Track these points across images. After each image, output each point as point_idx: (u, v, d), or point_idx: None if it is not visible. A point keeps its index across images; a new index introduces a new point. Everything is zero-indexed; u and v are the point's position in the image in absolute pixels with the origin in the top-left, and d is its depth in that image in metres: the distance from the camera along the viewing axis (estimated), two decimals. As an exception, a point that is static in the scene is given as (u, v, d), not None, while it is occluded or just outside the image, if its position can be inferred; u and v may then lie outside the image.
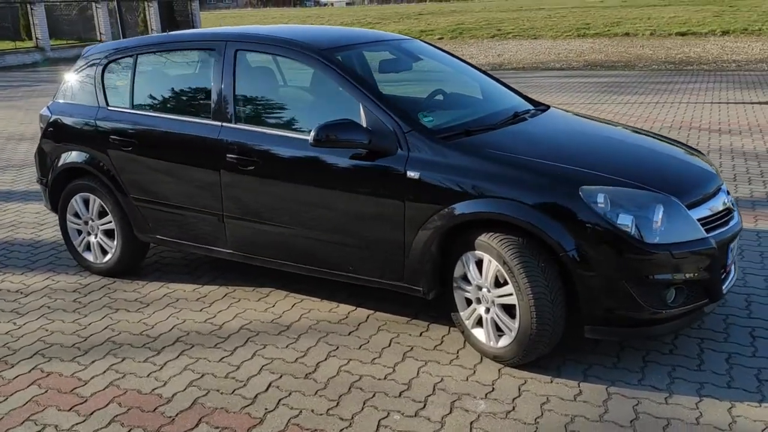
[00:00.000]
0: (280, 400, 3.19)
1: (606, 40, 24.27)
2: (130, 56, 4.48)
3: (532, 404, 3.10)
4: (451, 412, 3.06)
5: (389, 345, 3.67)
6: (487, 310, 3.42)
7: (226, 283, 4.56)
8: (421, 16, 41.48)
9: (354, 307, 4.14)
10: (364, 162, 3.54)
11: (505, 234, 3.25)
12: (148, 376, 3.45)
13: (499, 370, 3.40)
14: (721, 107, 10.53)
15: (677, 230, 3.15)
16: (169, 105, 4.33)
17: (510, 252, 3.19)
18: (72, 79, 4.74)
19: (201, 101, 4.16)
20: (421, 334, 3.78)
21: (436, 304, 4.01)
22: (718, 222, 3.35)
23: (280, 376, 3.40)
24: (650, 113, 10.08)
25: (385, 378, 3.36)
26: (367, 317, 4.00)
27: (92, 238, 4.69)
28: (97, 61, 4.61)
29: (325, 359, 3.55)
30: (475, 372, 3.38)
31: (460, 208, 3.31)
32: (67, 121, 4.64)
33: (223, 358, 3.60)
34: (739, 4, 35.92)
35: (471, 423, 2.98)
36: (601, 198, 3.11)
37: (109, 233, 4.63)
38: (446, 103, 4.21)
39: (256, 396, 3.24)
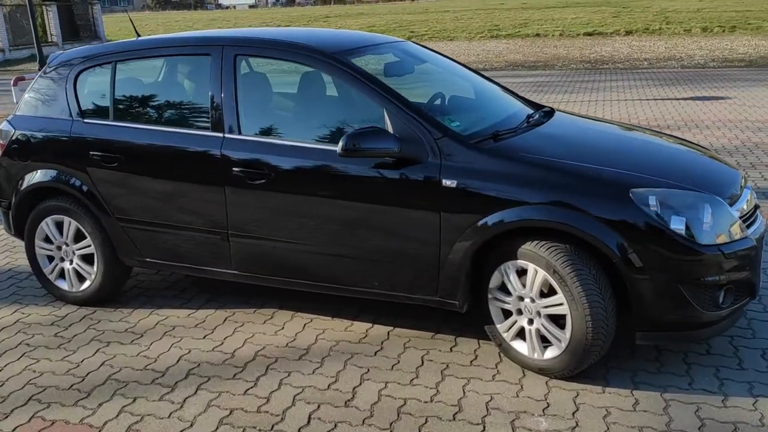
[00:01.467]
0: (328, 434, 2.95)
1: (519, 40, 24.81)
2: (107, 63, 4.08)
3: (593, 418, 2.98)
4: (515, 433, 2.90)
5: (422, 363, 3.48)
6: (531, 321, 3.28)
7: (221, 306, 4.24)
8: (329, 18, 41.29)
9: (370, 324, 3.92)
10: (393, 171, 3.34)
11: (553, 242, 3.12)
12: (169, 416, 3.13)
13: (546, 383, 3.27)
14: (651, 104, 10.87)
15: (724, 230, 3.11)
16: (158, 117, 3.97)
17: (561, 260, 3.07)
18: (37, 89, 4.28)
19: (196, 111, 3.84)
20: (451, 350, 3.61)
21: (457, 316, 3.86)
22: (750, 219, 3.35)
23: (318, 406, 3.15)
24: (587, 112, 10.28)
25: (431, 400, 3.17)
26: (388, 334, 3.80)
27: (67, 265, 4.26)
28: (67, 69, 4.18)
29: (360, 384, 3.32)
30: (522, 387, 3.24)
31: (505, 216, 3.16)
32: (35, 136, 4.19)
33: (248, 390, 3.31)
34: (631, 5, 37.62)
35: (541, 443, 2.83)
36: (652, 200, 3.03)
37: (87, 258, 4.21)
38: (452, 107, 4.04)
39: (299, 431, 2.98)
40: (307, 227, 3.55)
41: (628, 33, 24.24)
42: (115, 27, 38.70)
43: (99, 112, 4.07)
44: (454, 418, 3.02)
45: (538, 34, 25.58)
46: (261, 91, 3.93)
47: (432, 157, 3.29)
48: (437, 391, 3.24)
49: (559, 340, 3.18)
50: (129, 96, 4.07)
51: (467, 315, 3.78)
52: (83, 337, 3.92)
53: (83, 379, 3.47)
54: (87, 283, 4.23)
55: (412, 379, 3.35)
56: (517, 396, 3.17)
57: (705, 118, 9.59)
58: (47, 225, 4.21)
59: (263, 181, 3.58)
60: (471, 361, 3.49)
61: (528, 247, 3.16)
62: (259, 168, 3.58)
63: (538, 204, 3.11)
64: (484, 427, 2.95)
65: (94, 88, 4.15)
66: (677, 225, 3.01)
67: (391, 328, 3.87)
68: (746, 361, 3.39)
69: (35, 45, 11.85)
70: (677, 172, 3.33)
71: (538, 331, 3.26)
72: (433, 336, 3.76)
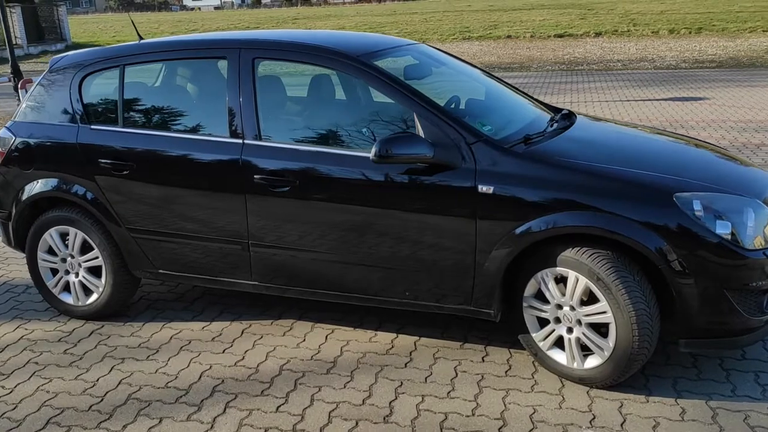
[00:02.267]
0: (373, 452, 2.84)
1: (492, 42, 24.90)
2: (115, 67, 3.90)
3: (643, 429, 2.92)
4: (566, 447, 2.81)
5: (456, 375, 3.38)
6: (570, 330, 3.21)
7: (237, 317, 4.09)
8: (297, 20, 41.07)
9: (395, 334, 3.81)
10: (426, 178, 3.23)
11: (595, 248, 3.04)
12: (201, 437, 2.98)
13: (587, 393, 3.20)
14: (632, 105, 10.95)
15: (765, 233, 3.07)
16: (171, 123, 3.81)
17: (604, 267, 3.00)
18: (38, 94, 4.08)
19: (213, 117, 3.68)
20: (483, 360, 3.52)
21: (483, 324, 3.79)
22: None
23: (357, 423, 3.03)
24: (576, 113, 10.28)
25: (473, 414, 3.07)
26: (415, 344, 3.69)
27: (72, 278, 4.07)
28: (71, 73, 3.99)
29: (396, 398, 3.21)
30: (564, 398, 3.16)
31: (545, 222, 3.07)
32: (37, 143, 3.99)
33: (280, 407, 3.18)
34: (596, 7, 38.13)
35: (594, 456, 2.75)
36: (697, 205, 2.98)
37: (94, 271, 4.03)
38: (475, 110, 3.94)
39: (341, 449, 2.86)
40: (335, 236, 3.43)
41: (598, 35, 24.50)
42: (80, 29, 37.98)
43: (107, 118, 3.90)
44: (499, 433, 2.93)
45: (509, 36, 25.71)
46: (281, 96, 3.79)
47: (466, 162, 3.20)
48: (477, 404, 3.14)
49: (602, 349, 3.11)
50: (140, 101, 3.90)
51: (493, 323, 3.71)
52: (95, 353, 3.74)
53: (102, 399, 3.29)
54: (94, 297, 4.04)
55: (449, 392, 3.24)
56: (560, 407, 3.09)
57: (688, 118, 9.68)
58: (51, 236, 4.02)
59: (287, 188, 3.44)
60: (506, 372, 3.40)
61: (569, 254, 3.08)
62: (283, 175, 3.44)
63: (580, 210, 3.03)
64: (532, 441, 2.86)
65: (101, 92, 3.98)
66: (723, 230, 2.96)
67: (417, 338, 3.76)
68: (785, 367, 3.36)
69: (7, 47, 11.42)
70: (714, 176, 3.28)
71: (578, 339, 3.19)
72: (461, 346, 3.67)
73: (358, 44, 3.73)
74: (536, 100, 4.36)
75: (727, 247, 2.95)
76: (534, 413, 3.05)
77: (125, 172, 3.75)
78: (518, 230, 3.12)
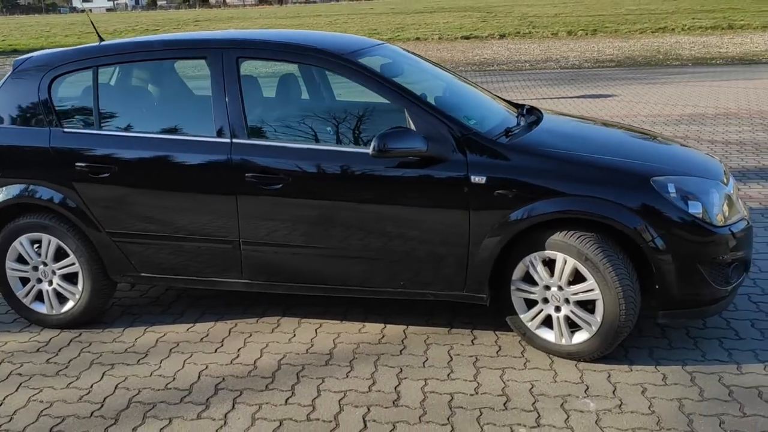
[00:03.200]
0: (392, 434, 2.95)
1: (401, 44, 25.22)
2: (87, 69, 3.83)
3: (633, 395, 3.17)
4: (569, 416, 3.02)
5: (451, 359, 3.54)
6: (558, 309, 3.43)
7: (220, 317, 4.10)
8: (198, 22, 40.29)
9: (382, 324, 3.94)
10: (419, 171, 3.38)
11: (581, 231, 3.28)
12: (217, 433, 3.01)
13: (576, 366, 3.43)
14: (548, 102, 11.47)
15: (727, 212, 3.39)
16: (151, 124, 3.78)
17: (592, 248, 3.23)
18: (2, 97, 3.94)
19: (196, 117, 3.70)
20: (473, 343, 3.70)
21: (465, 309, 3.96)
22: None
23: (368, 409, 3.14)
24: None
25: (477, 393, 3.24)
26: (405, 332, 3.83)
27: (45, 286, 3.96)
28: (38, 75, 3.88)
29: (399, 383, 3.34)
30: (556, 372, 3.38)
31: (535, 209, 3.27)
32: (5, 149, 3.86)
33: (288, 399, 3.24)
34: (494, 10, 39.46)
35: (597, 423, 2.97)
36: (672, 188, 3.26)
37: (68, 278, 3.94)
38: (450, 106, 4.09)
39: (360, 434, 2.97)
40: (328, 231, 3.51)
41: (502, 36, 25.35)
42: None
43: (81, 120, 3.82)
44: (506, 408, 3.11)
45: (418, 38, 26.19)
46: (267, 94, 3.83)
47: (457, 155, 3.36)
48: (478, 383, 3.31)
49: (589, 324, 3.35)
50: (117, 102, 3.85)
51: (475, 308, 3.90)
52: (80, 361, 3.67)
53: (102, 405, 3.25)
54: (70, 304, 3.95)
55: (449, 374, 3.40)
56: (555, 381, 3.30)
57: (602, 114, 10.24)
58: (21, 244, 3.90)
59: (279, 186, 3.50)
60: (497, 352, 3.59)
61: (557, 237, 3.30)
62: (275, 173, 3.50)
63: (568, 196, 3.26)
64: (539, 413, 3.06)
65: (73, 94, 3.89)
66: (695, 209, 3.25)
67: (405, 326, 3.90)
68: (741, 331, 3.71)
69: None
70: (679, 161, 3.59)
71: (566, 317, 3.41)
72: (449, 331, 3.83)
73: (341, 44, 3.83)
74: (497, 96, 4.58)
75: (700, 225, 3.24)
76: (532, 388, 3.25)
77: (105, 176, 3.70)
78: (510, 218, 3.31)
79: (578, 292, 3.34)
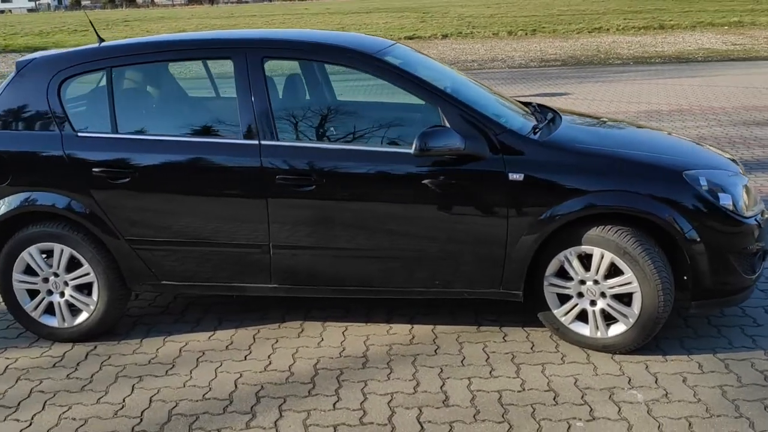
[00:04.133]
0: (452, 434, 2.94)
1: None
2: (99, 70, 3.67)
3: (676, 384, 3.24)
4: (620, 409, 3.07)
5: (488, 356, 3.55)
6: (593, 303, 3.48)
7: (239, 324, 4.00)
8: (128, 22, 39.22)
9: (409, 325, 3.92)
10: (457, 169, 3.37)
11: (618, 225, 3.34)
12: (272, 442, 2.93)
13: (612, 359, 3.48)
14: (510, 101, 11.61)
15: (751, 203, 3.52)
16: (172, 126, 3.65)
17: (630, 242, 3.30)
18: (6, 100, 3.73)
19: (220, 118, 3.61)
20: (505, 340, 3.72)
21: (488, 307, 3.97)
22: None
23: (420, 410, 3.12)
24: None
25: (524, 389, 3.26)
26: (434, 332, 3.82)
27: (56, 298, 3.77)
28: (46, 77, 3.69)
29: (444, 383, 3.33)
30: (595, 366, 3.43)
31: (574, 205, 3.31)
32: (12, 155, 3.66)
33: (336, 404, 3.19)
34: (431, 11, 39.84)
35: (650, 414, 3.03)
36: (703, 181, 3.35)
37: (82, 289, 3.77)
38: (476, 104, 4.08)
39: (420, 436, 2.94)
40: (364, 232, 3.47)
41: (445, 36, 25.58)
42: None
43: (96, 124, 3.66)
44: (556, 402, 3.13)
45: (359, 39, 26.14)
46: (295, 95, 3.76)
47: (493, 152, 3.37)
48: (522, 379, 3.33)
49: (626, 317, 3.41)
50: (134, 105, 3.71)
51: (497, 305, 3.91)
52: (103, 375, 3.52)
53: (141, 419, 3.12)
54: (83, 316, 3.78)
55: (491, 371, 3.41)
56: (597, 374, 3.35)
57: (562, 112, 10.45)
58: (30, 255, 3.71)
59: (312, 187, 3.44)
60: (531, 348, 3.61)
61: (594, 232, 3.35)
62: (308, 174, 3.44)
63: (606, 191, 3.31)
64: (590, 406, 3.09)
65: (86, 97, 3.73)
66: (725, 201, 3.36)
67: (432, 326, 3.89)
68: (758, 318, 3.85)
69: None
70: (701, 156, 3.69)
71: (602, 311, 3.46)
72: (478, 329, 3.84)
73: (364, 43, 3.78)
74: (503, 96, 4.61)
75: (730, 216, 3.35)
76: (577, 382, 3.29)
77: (125, 181, 3.55)
78: (547, 214, 3.34)
79: (615, 285, 3.39)
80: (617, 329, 3.46)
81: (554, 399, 3.16)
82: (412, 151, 3.27)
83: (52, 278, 3.75)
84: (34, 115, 3.67)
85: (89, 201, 3.59)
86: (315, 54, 3.62)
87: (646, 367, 3.40)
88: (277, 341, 3.78)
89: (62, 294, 3.77)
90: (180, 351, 3.72)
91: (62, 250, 3.68)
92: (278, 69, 3.97)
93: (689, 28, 24.82)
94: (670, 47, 19.48)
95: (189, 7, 57.18)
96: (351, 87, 4.93)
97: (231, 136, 3.54)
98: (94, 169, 3.56)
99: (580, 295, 3.50)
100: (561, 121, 3.88)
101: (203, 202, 3.53)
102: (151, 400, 3.26)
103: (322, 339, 3.79)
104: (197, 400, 3.25)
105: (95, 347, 3.80)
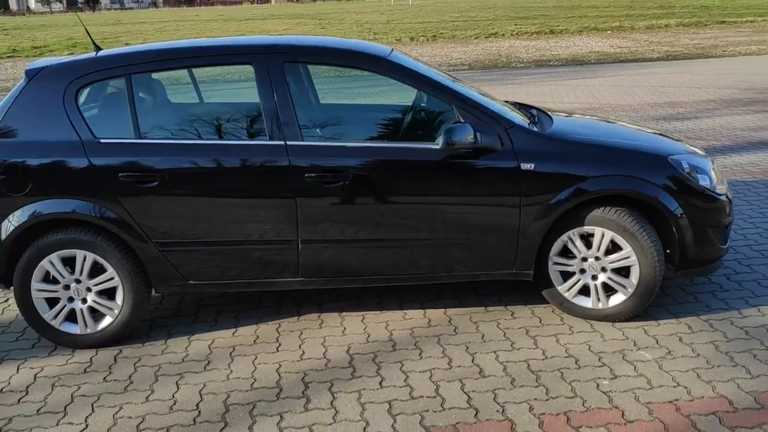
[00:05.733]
0: (518, 401, 3.23)
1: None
2: (119, 77, 3.73)
3: (675, 343, 3.68)
4: (636, 366, 3.48)
5: (504, 332, 3.88)
6: (594, 277, 3.88)
7: (258, 320, 4.14)
8: (7, 31, 37.17)
9: (422, 310, 4.19)
10: (473, 162, 3.68)
11: (615, 206, 3.75)
12: (336, 421, 3.13)
13: (613, 326, 3.89)
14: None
15: (721, 183, 4.03)
16: (197, 130, 3.76)
17: (628, 220, 3.72)
18: (20, 108, 3.71)
19: (245, 121, 3.75)
20: (513, 316, 4.06)
21: (484, 287, 4.30)
22: None
23: (462, 382, 3.40)
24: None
25: (547, 357, 3.60)
26: (447, 315, 4.11)
27: (78, 305, 3.79)
28: (61, 84, 3.70)
29: (473, 358, 3.62)
30: (601, 333, 3.82)
31: (579, 189, 3.69)
32: (32, 164, 3.66)
33: (382, 383, 3.41)
34: (327, 17, 40.17)
35: (661, 369, 3.44)
36: (685, 164, 3.83)
37: (106, 293, 3.81)
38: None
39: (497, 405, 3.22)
40: (390, 224, 3.71)
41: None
42: None
43: (118, 130, 3.72)
44: (579, 366, 3.50)
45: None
46: (315, 97, 3.95)
47: (506, 145, 3.71)
48: (541, 350, 3.67)
49: (625, 287, 3.82)
50: (156, 110, 3.79)
51: (496, 285, 4.26)
52: (142, 375, 3.59)
53: (199, 412, 3.24)
54: (107, 321, 3.82)
55: (512, 345, 3.73)
56: (605, 340, 3.75)
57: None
58: (51, 263, 3.71)
59: (340, 183, 3.66)
60: (540, 322, 3.97)
61: (596, 213, 3.75)
62: (336, 171, 3.65)
63: (605, 176, 3.71)
64: (610, 367, 3.47)
65: (106, 104, 3.78)
66: (704, 182, 3.84)
67: (443, 309, 4.18)
68: (723, 284, 4.37)
69: None
70: (674, 144, 4.17)
71: (603, 284, 3.87)
72: (486, 309, 4.16)
73: (375, 48, 4.03)
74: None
75: (709, 195, 3.84)
76: (590, 348, 3.67)
77: (153, 185, 3.64)
78: (555, 199, 3.71)
79: (615, 260, 3.80)
80: (617, 299, 3.87)
81: (576, 363, 3.52)
82: (438, 146, 3.55)
83: (73, 285, 3.76)
84: (51, 123, 3.68)
85: (116, 206, 3.65)
86: (330, 58, 3.83)
87: (645, 331, 3.83)
88: (301, 333, 3.96)
89: (84, 300, 3.78)
90: (210, 348, 3.83)
91: (85, 257, 3.71)
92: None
93: (577, 32, 26.34)
94: (564, 51, 20.67)
95: (70, 13, 54.76)
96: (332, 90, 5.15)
97: (256, 137, 3.70)
98: (120, 174, 3.62)
99: (582, 271, 3.89)
100: (550, 116, 4.26)
101: (231, 202, 3.67)
102: (201, 394, 3.37)
103: (345, 328, 3.99)
104: (247, 390, 3.39)
105: (120, 351, 3.84)
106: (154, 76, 3.89)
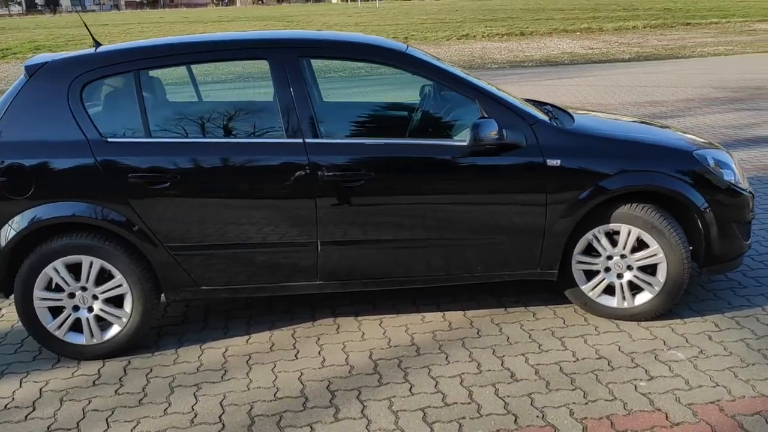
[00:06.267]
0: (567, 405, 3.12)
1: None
2: (126, 72, 3.54)
3: (705, 341, 3.61)
4: (670, 367, 3.39)
5: (529, 334, 3.77)
6: (619, 276, 3.79)
7: (271, 326, 3.97)
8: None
9: (439, 312, 4.07)
10: (499, 158, 3.57)
11: (643, 203, 3.67)
12: (370, 430, 2.98)
13: (639, 326, 3.81)
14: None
15: (743, 178, 3.97)
16: (211, 128, 3.59)
17: (656, 217, 3.64)
18: (21, 106, 3.50)
19: (260, 118, 3.60)
20: (535, 318, 3.95)
21: (499, 288, 4.20)
22: None
23: (495, 387, 3.28)
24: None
25: (578, 359, 3.50)
26: (466, 317, 3.99)
27: (84, 314, 3.59)
28: (65, 81, 3.49)
29: (502, 362, 3.50)
30: (629, 333, 3.73)
31: (606, 186, 3.60)
32: (35, 165, 3.44)
33: (412, 389, 3.28)
34: (294, 19, 39.88)
35: (696, 369, 3.36)
36: (710, 159, 3.76)
37: (113, 301, 3.61)
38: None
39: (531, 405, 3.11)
40: (413, 223, 3.58)
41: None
42: None
43: (128, 129, 3.52)
44: (612, 368, 3.40)
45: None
46: (333, 93, 3.79)
47: (531, 141, 3.60)
48: (571, 351, 3.57)
49: (652, 285, 3.74)
50: (166, 108, 3.60)
51: (514, 286, 4.17)
52: (156, 387, 3.39)
53: (223, 425, 3.06)
54: (115, 330, 3.61)
55: (539, 347, 3.63)
56: (633, 340, 3.66)
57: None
58: (55, 270, 3.50)
59: (362, 182, 3.51)
60: (564, 323, 3.87)
61: (623, 210, 3.66)
62: (358, 170, 3.50)
63: (635, 172, 3.62)
64: (644, 368, 3.38)
65: (113, 101, 3.58)
66: (729, 176, 3.78)
67: (462, 311, 4.06)
68: (741, 281, 4.33)
69: None
70: (692, 140, 4.11)
71: (629, 282, 3.78)
72: (506, 310, 4.05)
73: (392, 43, 3.90)
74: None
75: (734, 190, 3.78)
76: (620, 348, 3.58)
77: (165, 186, 3.45)
78: (582, 196, 3.61)
79: (642, 258, 3.72)
80: (643, 298, 3.79)
81: (609, 365, 3.42)
82: (464, 142, 3.43)
83: (79, 293, 3.55)
84: (55, 121, 3.47)
85: (125, 209, 3.45)
86: (348, 52, 3.69)
87: (672, 330, 3.75)
88: (318, 339, 3.80)
89: (90, 309, 3.58)
90: (224, 357, 3.65)
91: (92, 263, 3.51)
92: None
93: (546, 34, 26.52)
94: (537, 52, 20.76)
95: (29, 17, 53.58)
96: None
97: (274, 135, 3.54)
98: (131, 176, 3.43)
99: (607, 270, 3.79)
100: (569, 113, 4.17)
101: (249, 203, 3.50)
102: (222, 406, 3.20)
103: (363, 333, 3.85)
104: (271, 401, 3.23)
105: (129, 362, 3.64)
106: (161, 72, 3.69)
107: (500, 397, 3.18)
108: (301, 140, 3.50)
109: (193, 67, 3.84)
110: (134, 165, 3.44)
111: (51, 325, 3.57)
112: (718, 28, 27.95)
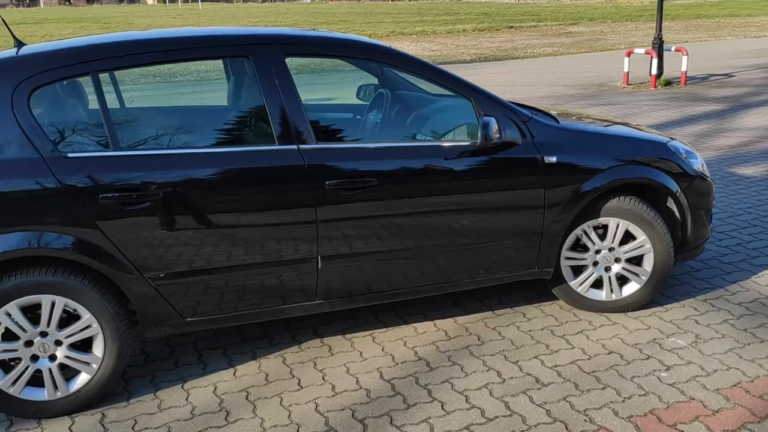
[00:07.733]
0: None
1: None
2: (82, 75, 3.00)
3: (695, 326, 3.71)
4: (679, 354, 3.45)
5: (530, 336, 3.69)
6: (607, 269, 3.81)
7: (254, 355, 3.58)
8: None
9: (430, 322, 3.89)
10: (498, 157, 3.45)
11: (630, 195, 3.71)
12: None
13: (627, 316, 3.86)
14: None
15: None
16: (186, 137, 3.14)
17: (643, 209, 3.70)
18: (-47, 120, 2.85)
19: (242, 123, 3.20)
20: (527, 318, 3.88)
21: (479, 293, 4.11)
22: None
23: (527, 394, 3.15)
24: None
25: (590, 356, 3.46)
26: (458, 324, 3.84)
27: (45, 363, 3.01)
28: (8, 86, 2.89)
29: (519, 367, 3.39)
30: (624, 326, 3.76)
31: (599, 181, 3.60)
32: (-18, 189, 2.82)
33: (444, 407, 3.07)
34: (112, 21, 37.65)
35: (703, 353, 3.44)
36: (682, 150, 3.89)
37: (80, 345, 3.07)
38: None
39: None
40: (417, 231, 3.37)
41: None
42: None
43: (90, 141, 2.99)
44: (627, 362, 3.39)
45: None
46: (324, 94, 3.45)
47: (526, 139, 3.52)
48: (580, 349, 3.53)
49: (639, 275, 3.80)
50: (134, 115, 3.10)
51: (494, 289, 4.09)
52: (151, 441, 2.92)
53: None
54: (83, 379, 3.06)
55: (547, 347, 3.55)
56: (631, 332, 3.69)
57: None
58: (8, 315, 2.90)
59: (364, 190, 3.25)
60: (557, 321, 3.83)
61: (612, 204, 3.68)
62: (361, 176, 3.23)
63: (626, 165, 3.65)
64: (657, 359, 3.41)
65: (68, 109, 3.02)
66: (696, 165, 3.93)
67: (452, 318, 3.90)
68: (701, 270, 4.52)
69: None
70: (656, 134, 4.23)
71: (617, 275, 3.81)
72: (494, 313, 3.94)
73: (376, 41, 3.64)
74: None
75: (703, 178, 3.93)
76: (621, 341, 3.59)
77: (143, 205, 2.97)
78: (578, 192, 3.58)
79: (630, 249, 3.76)
80: (630, 289, 3.83)
81: (623, 359, 3.41)
82: (475, 142, 3.28)
83: (38, 339, 2.97)
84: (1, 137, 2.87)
85: (94, 235, 2.92)
86: (342, 50, 3.38)
87: (660, 318, 3.82)
88: (315, 363, 3.47)
89: (53, 357, 3.01)
90: (216, 395, 3.22)
91: (53, 302, 2.94)
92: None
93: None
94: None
95: None
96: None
97: (263, 142, 3.16)
98: (101, 196, 2.91)
99: (595, 264, 3.80)
100: (546, 112, 4.11)
101: (241, 218, 3.10)
102: (253, 448, 2.80)
103: (360, 352, 3.57)
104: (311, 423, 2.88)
105: (103, 415, 3.10)
106: (128, 73, 3.17)
107: (538, 405, 3.05)
108: (294, 146, 3.16)
109: (161, 67, 3.34)
110: (104, 183, 2.92)
111: (3, 381, 2.95)
112: (537, 30, 29.93)
